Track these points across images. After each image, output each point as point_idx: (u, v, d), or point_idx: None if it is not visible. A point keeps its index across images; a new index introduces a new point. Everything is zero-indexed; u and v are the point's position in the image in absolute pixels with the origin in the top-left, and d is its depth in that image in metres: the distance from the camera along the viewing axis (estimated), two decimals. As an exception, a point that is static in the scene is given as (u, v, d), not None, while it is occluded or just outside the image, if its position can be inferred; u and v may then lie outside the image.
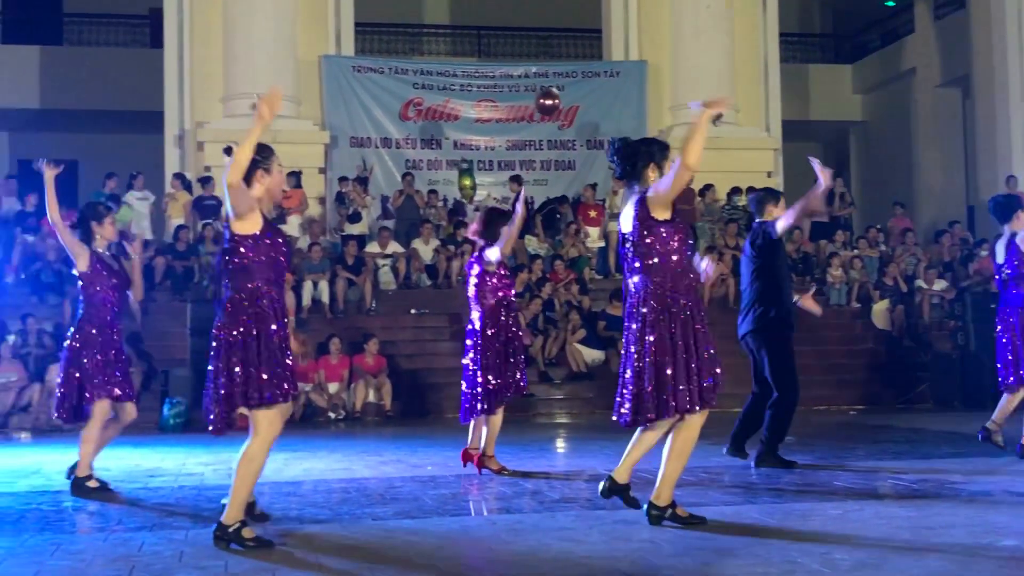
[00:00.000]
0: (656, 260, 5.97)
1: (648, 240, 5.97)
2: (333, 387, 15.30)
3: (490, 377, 8.47)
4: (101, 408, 7.94)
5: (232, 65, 19.36)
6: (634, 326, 6.04)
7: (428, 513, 6.83)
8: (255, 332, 5.70)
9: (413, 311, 17.35)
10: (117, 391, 7.99)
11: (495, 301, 8.58)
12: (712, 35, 20.83)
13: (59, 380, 8.09)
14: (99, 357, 7.95)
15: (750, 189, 18.74)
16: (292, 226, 18.11)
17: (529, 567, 5.23)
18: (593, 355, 16.35)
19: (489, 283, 8.58)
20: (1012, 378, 9.03)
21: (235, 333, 5.69)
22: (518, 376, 8.63)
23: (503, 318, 8.61)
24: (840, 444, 10.92)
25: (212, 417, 5.69)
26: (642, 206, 5.99)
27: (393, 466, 9.40)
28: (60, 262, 17.21)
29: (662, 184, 5.95)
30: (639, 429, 6.14)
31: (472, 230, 8.95)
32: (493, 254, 8.52)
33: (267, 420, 5.66)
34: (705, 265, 6.42)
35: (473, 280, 8.67)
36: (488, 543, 5.95)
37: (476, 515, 6.98)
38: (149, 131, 20.88)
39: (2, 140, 25.33)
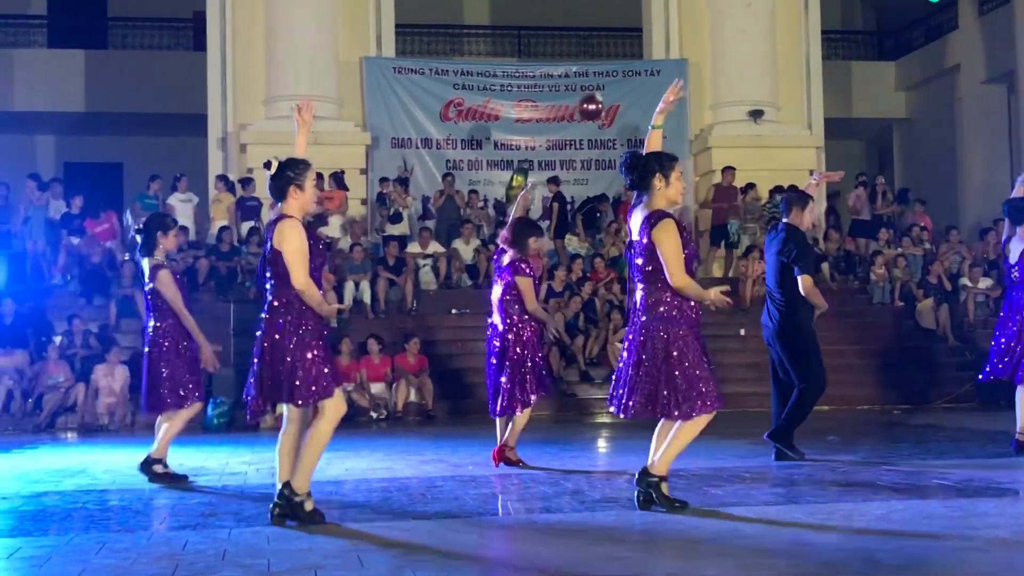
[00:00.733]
0: (656, 276, 6.35)
1: (652, 258, 6.34)
2: (375, 387, 15.36)
3: (505, 380, 8.79)
4: (192, 408, 8.64)
5: (274, 67, 19.48)
6: (642, 331, 6.40)
7: (469, 512, 6.84)
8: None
9: (454, 311, 17.39)
10: (198, 392, 8.68)
11: (519, 309, 8.87)
12: (753, 33, 20.71)
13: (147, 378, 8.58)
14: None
15: (791, 188, 18.69)
16: (333, 227, 18.23)
17: (568, 566, 5.22)
18: (634, 354, 16.27)
19: (514, 293, 8.89)
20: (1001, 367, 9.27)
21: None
22: (538, 379, 8.88)
23: (526, 324, 8.90)
24: (884, 443, 10.85)
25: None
26: (648, 231, 6.33)
27: (434, 465, 9.43)
28: (105, 264, 17.43)
29: (667, 252, 6.29)
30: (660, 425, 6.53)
31: (502, 238, 9.15)
32: (530, 304, 8.84)
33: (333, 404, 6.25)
34: None
35: (499, 289, 8.98)
36: (528, 542, 5.96)
37: (516, 514, 6.98)
38: (193, 134, 21.05)
39: (48, 143, 25.60)
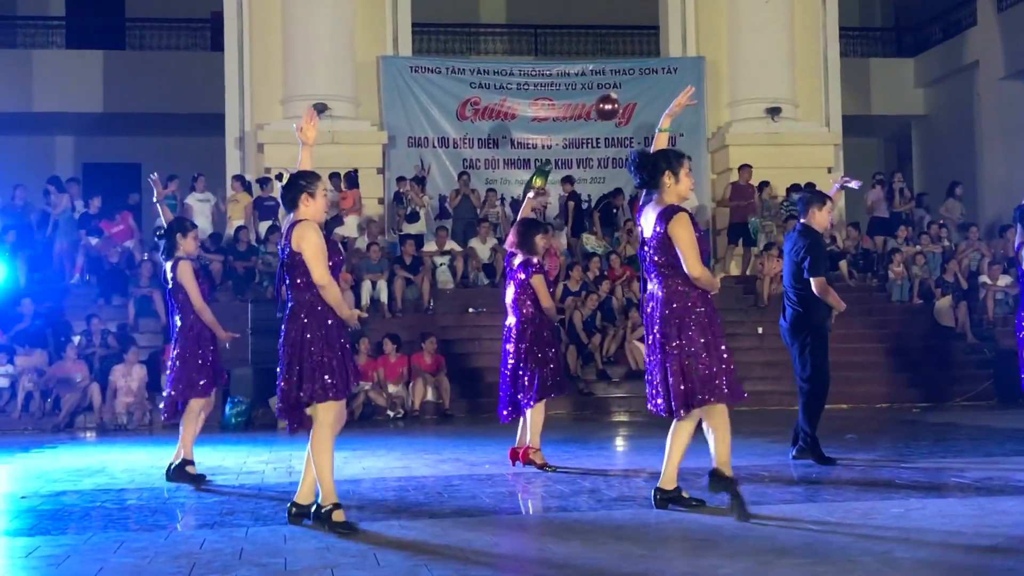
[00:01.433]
0: (672, 268, 6.42)
1: (667, 251, 6.40)
2: (392, 386, 15.38)
3: (525, 378, 8.80)
4: (202, 404, 8.73)
5: (291, 67, 19.52)
6: (655, 327, 6.48)
7: (485, 511, 6.85)
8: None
9: (471, 310, 17.40)
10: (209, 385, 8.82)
11: (533, 308, 8.89)
12: (770, 30, 20.64)
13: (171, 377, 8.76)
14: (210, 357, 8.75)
15: (808, 186, 18.65)
16: (350, 226, 18.25)
17: (584, 565, 5.22)
18: (652, 353, 16.26)
19: (528, 293, 8.90)
20: None
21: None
22: (552, 377, 8.87)
23: (539, 324, 8.91)
24: (903, 442, 10.81)
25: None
26: (664, 224, 6.38)
27: (451, 464, 9.44)
28: (123, 264, 17.50)
29: (683, 244, 6.35)
30: (673, 425, 6.56)
31: (509, 242, 9.17)
32: (545, 301, 8.88)
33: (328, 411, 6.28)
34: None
35: (511, 290, 9.01)
36: (544, 541, 5.96)
37: (533, 513, 6.99)
38: (211, 133, 21.11)
39: (67, 144, 25.71)
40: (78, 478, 9.02)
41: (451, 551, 5.58)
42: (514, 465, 8.91)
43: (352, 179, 18.43)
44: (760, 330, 16.57)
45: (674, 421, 6.56)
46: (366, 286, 16.81)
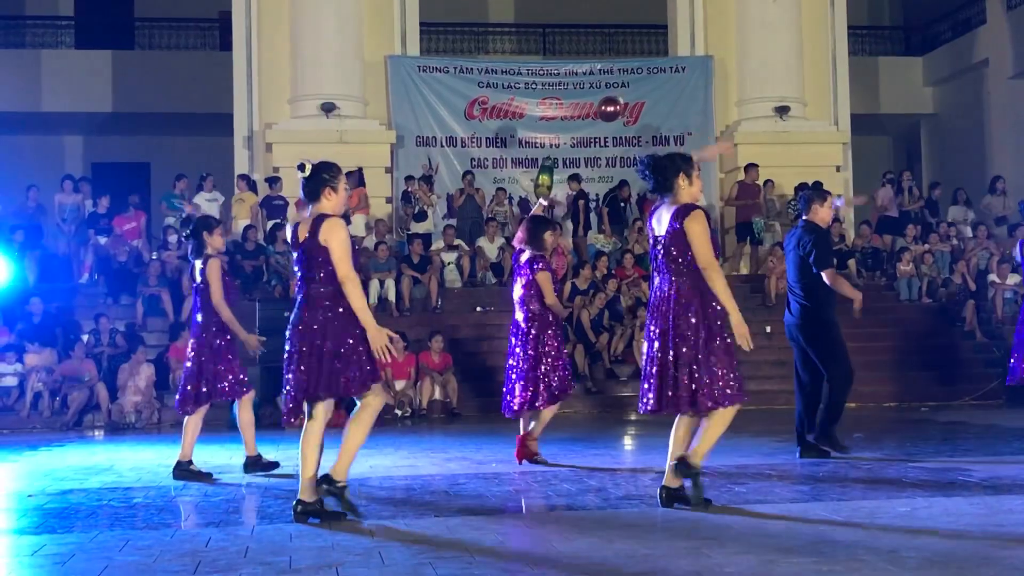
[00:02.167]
0: (687, 265, 6.52)
1: (682, 246, 6.51)
2: (399, 384, 15.37)
3: (524, 378, 8.97)
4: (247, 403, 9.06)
5: (299, 67, 19.53)
6: (660, 323, 6.58)
7: (491, 509, 6.85)
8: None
9: (479, 308, 17.40)
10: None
11: (539, 305, 8.98)
12: (779, 29, 20.59)
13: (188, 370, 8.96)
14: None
15: (815, 184, 18.61)
16: (358, 225, 18.25)
17: (590, 563, 5.22)
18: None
19: (535, 289, 8.98)
20: None
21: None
22: (558, 377, 8.98)
23: (546, 321, 9.00)
24: (910, 440, 10.79)
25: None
26: (680, 220, 6.50)
27: (458, 463, 9.44)
28: (132, 262, 17.53)
29: (697, 238, 6.48)
30: (676, 423, 6.64)
31: (518, 239, 9.25)
32: (548, 298, 8.95)
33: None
34: None
35: (519, 287, 9.09)
36: (550, 539, 5.95)
37: (539, 511, 6.98)
38: (219, 133, 21.12)
39: (76, 144, 25.75)
40: (85, 476, 9.04)
41: (456, 549, 5.57)
42: (521, 463, 8.96)
43: (357, 176, 18.44)
44: (768, 329, 16.50)
45: (677, 417, 6.62)
46: (374, 285, 16.81)
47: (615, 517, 6.47)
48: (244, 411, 9.04)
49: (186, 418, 8.92)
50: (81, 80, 23.44)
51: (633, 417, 14.81)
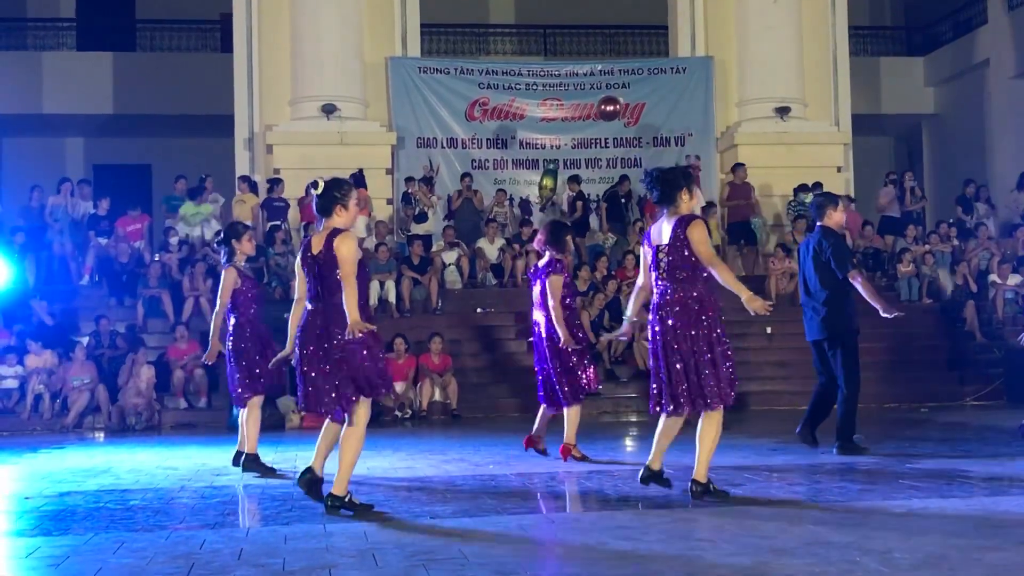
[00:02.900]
0: (687, 272, 6.87)
1: (684, 253, 6.87)
2: (399, 386, 15.34)
3: (552, 374, 9.18)
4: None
5: (300, 68, 19.53)
6: (659, 327, 6.92)
7: (487, 511, 6.85)
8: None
9: (479, 310, 17.39)
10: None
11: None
12: (780, 29, 20.57)
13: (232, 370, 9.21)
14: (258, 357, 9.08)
15: (816, 186, 18.61)
16: (358, 227, 18.23)
17: (585, 565, 5.22)
18: (660, 353, 16.22)
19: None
20: None
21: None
22: (586, 375, 9.21)
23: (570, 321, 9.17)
24: (909, 441, 10.77)
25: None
26: (683, 228, 6.86)
27: (455, 465, 9.44)
28: (133, 264, 17.54)
29: (700, 242, 6.86)
30: (662, 418, 7.06)
31: (537, 241, 9.39)
32: (552, 300, 9.08)
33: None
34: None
35: (539, 288, 9.25)
36: (545, 541, 5.96)
37: (535, 513, 6.98)
38: (220, 135, 21.13)
39: (77, 145, 25.77)
40: (83, 479, 9.04)
41: (449, 551, 5.57)
42: (527, 451, 9.37)
43: (358, 178, 18.43)
44: (769, 330, 16.52)
45: (663, 416, 7.02)
46: (374, 286, 16.79)
47: (611, 519, 6.47)
48: (254, 410, 9.18)
49: (241, 412, 9.24)
50: (82, 82, 23.46)
51: (633, 418, 14.82)
